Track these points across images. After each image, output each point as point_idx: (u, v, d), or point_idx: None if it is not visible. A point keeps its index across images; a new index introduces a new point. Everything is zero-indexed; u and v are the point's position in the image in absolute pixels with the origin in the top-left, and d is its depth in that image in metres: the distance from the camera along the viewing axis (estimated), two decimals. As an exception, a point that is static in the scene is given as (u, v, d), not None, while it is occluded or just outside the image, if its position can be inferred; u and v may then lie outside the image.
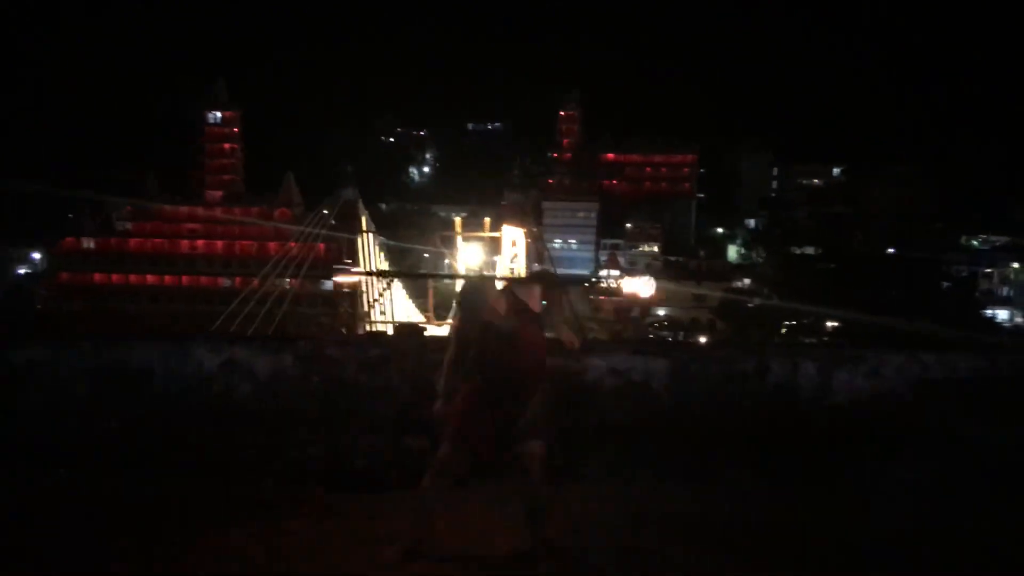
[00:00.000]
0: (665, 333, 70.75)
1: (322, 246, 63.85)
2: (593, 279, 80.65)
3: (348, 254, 67.43)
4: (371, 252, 63.41)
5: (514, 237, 44.11)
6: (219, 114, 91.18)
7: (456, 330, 4.49)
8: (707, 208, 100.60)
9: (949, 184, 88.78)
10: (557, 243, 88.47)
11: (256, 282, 56.06)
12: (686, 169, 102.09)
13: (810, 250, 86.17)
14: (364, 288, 62.34)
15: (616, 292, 78.90)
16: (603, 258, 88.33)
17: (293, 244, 59.20)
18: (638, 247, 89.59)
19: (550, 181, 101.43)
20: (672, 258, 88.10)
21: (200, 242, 79.92)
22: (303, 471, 5.80)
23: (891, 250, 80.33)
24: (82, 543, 4.64)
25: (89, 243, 79.15)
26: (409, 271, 69.61)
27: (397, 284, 65.66)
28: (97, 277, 77.86)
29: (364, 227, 63.16)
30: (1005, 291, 76.25)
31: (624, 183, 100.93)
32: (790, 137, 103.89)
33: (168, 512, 5.15)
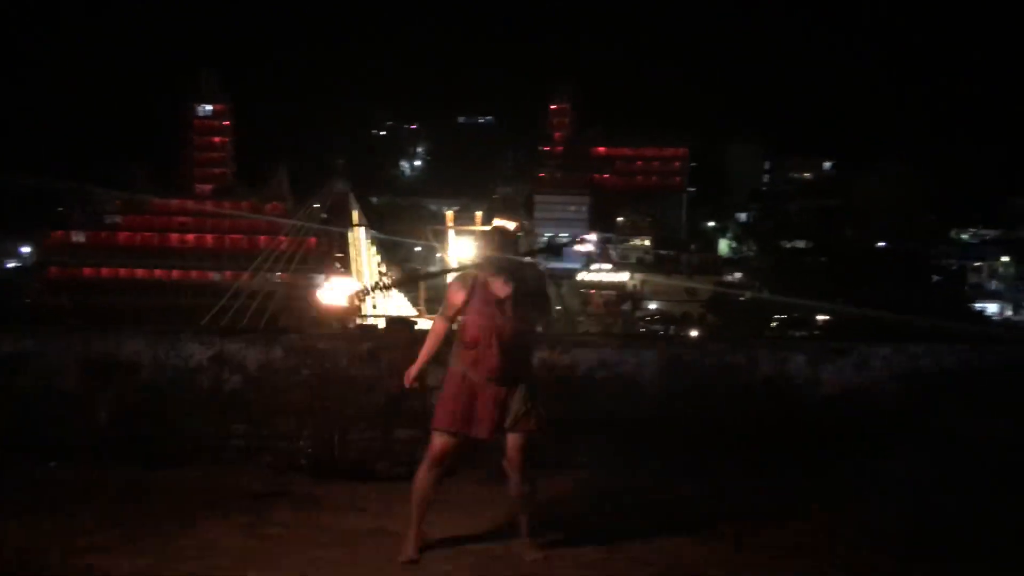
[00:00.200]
0: (656, 327, 70.86)
1: (313, 240, 63.85)
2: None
3: (339, 248, 67.29)
4: (362, 246, 63.32)
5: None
6: (209, 107, 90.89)
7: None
8: (698, 202, 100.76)
9: (940, 178, 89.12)
10: (545, 236, 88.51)
11: (247, 276, 56.00)
12: (677, 163, 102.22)
13: (801, 244, 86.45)
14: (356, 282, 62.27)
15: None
16: (595, 252, 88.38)
17: (283, 238, 59.13)
18: (629, 241, 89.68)
19: (541, 175, 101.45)
20: (663, 252, 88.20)
21: (190, 236, 79.66)
22: (293, 463, 5.81)
23: (881, 244, 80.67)
24: (71, 534, 4.63)
25: (78, 237, 78.84)
26: (403, 267, 69.52)
27: (389, 278, 65.63)
28: (86, 271, 77.55)
29: (355, 221, 63.03)
30: (994, 285, 76.66)
31: (615, 177, 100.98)
32: (781, 130, 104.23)
33: (157, 503, 5.15)
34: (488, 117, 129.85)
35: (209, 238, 79.53)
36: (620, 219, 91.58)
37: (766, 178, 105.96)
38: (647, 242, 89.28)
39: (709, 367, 6.18)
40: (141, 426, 5.85)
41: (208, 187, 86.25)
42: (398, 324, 6.56)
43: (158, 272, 78.10)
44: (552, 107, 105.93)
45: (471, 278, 4.44)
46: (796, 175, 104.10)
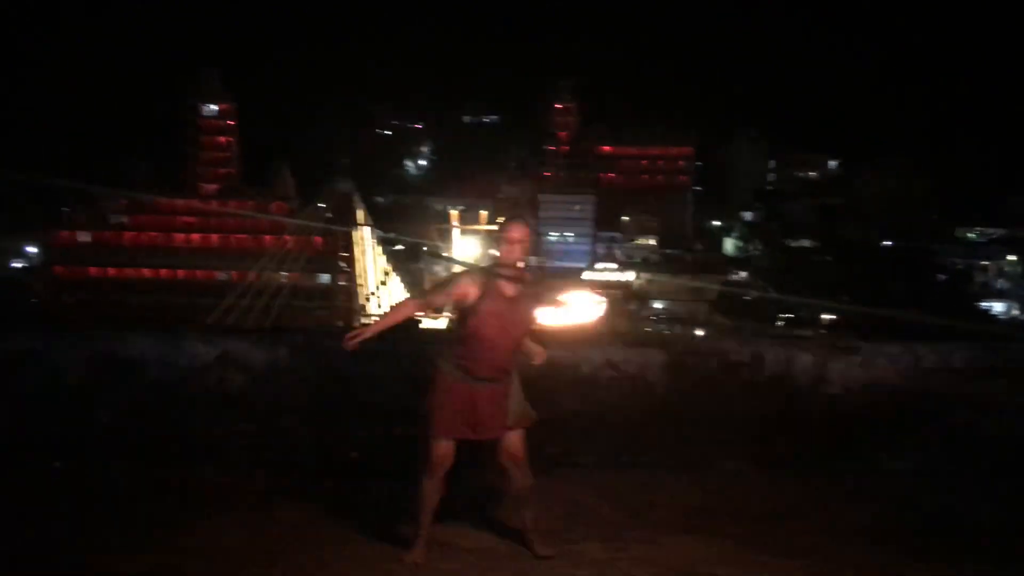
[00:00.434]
0: (662, 326, 70.86)
1: (318, 239, 64.00)
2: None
3: (344, 247, 67.41)
4: (367, 245, 63.42)
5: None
6: (214, 106, 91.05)
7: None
8: (703, 201, 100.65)
9: (945, 176, 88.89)
10: (554, 236, 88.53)
11: (252, 275, 56.15)
12: (682, 162, 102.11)
13: (806, 242, 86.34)
14: (360, 282, 62.41)
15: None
16: (600, 251, 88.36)
17: (288, 237, 59.28)
18: (635, 240, 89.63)
19: (546, 174, 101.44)
20: (669, 251, 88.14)
21: (195, 235, 79.82)
22: (296, 462, 5.80)
23: (887, 242, 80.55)
24: (75, 533, 4.64)
25: (84, 236, 79.05)
26: (404, 266, 69.62)
27: (394, 277, 65.76)
28: (92, 270, 77.75)
29: (360, 220, 63.13)
30: (1001, 284, 76.48)
31: (620, 176, 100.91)
32: (786, 129, 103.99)
33: (161, 502, 5.15)
34: (493, 116, 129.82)
35: (214, 238, 79.66)
36: (625, 218, 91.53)
37: (771, 177, 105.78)
38: (652, 241, 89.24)
39: (714, 366, 6.16)
40: (146, 425, 5.85)
41: (213, 187, 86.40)
42: (403, 323, 6.53)
43: (163, 272, 78.28)
44: (557, 106, 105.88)
45: (484, 275, 4.37)
46: (801, 174, 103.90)
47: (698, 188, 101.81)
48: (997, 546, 4.76)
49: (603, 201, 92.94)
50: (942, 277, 74.49)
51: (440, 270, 73.78)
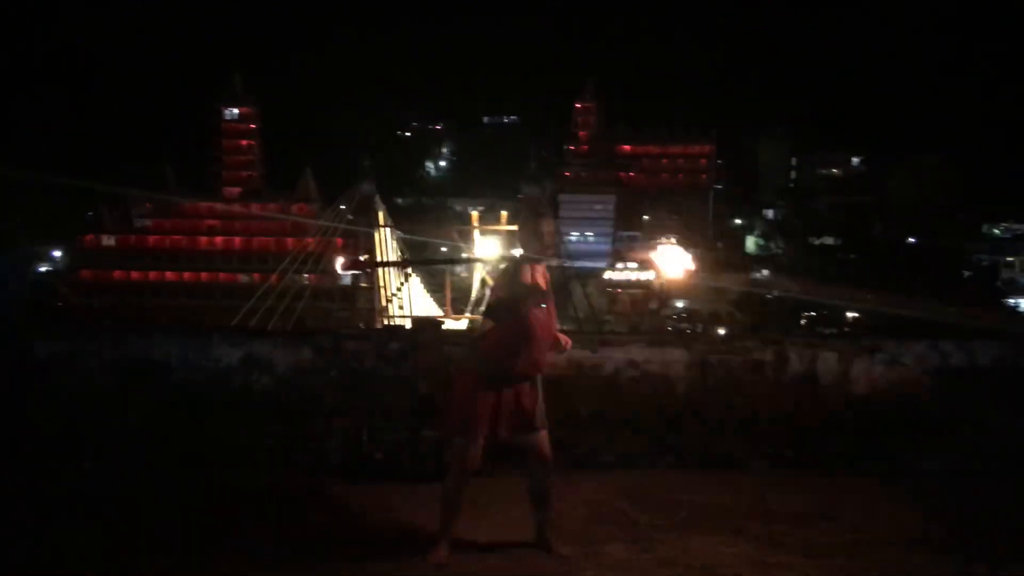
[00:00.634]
0: (684, 325, 70.58)
1: (340, 241, 64.24)
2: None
3: (365, 249, 67.59)
4: (388, 246, 63.54)
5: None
6: (236, 110, 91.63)
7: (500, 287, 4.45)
8: (725, 199, 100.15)
9: (970, 172, 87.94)
10: (574, 236, 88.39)
11: (274, 277, 56.44)
12: (703, 160, 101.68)
13: (829, 240, 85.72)
14: (382, 283, 62.54)
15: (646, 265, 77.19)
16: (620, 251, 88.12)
17: (311, 240, 59.53)
18: (656, 239, 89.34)
19: (566, 174, 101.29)
20: (690, 250, 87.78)
21: (219, 238, 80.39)
22: (322, 463, 5.84)
23: (912, 239, 79.80)
24: (104, 535, 4.69)
25: (109, 240, 79.85)
26: (426, 267, 69.67)
27: (415, 278, 65.85)
28: (117, 274, 78.53)
29: (381, 221, 63.27)
30: (1027, 280, 75.52)
31: (641, 175, 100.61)
32: (809, 127, 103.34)
33: (189, 504, 5.20)
34: (513, 116, 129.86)
35: (237, 240, 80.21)
36: (646, 217, 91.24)
37: (793, 174, 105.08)
38: (673, 240, 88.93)
39: (737, 365, 6.14)
40: (173, 427, 5.91)
41: (236, 190, 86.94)
42: (425, 324, 6.56)
43: (187, 275, 78.91)
44: (577, 106, 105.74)
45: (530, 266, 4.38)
46: (824, 171, 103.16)
47: (719, 186, 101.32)
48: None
49: (624, 200, 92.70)
50: (968, 274, 73.68)
51: (462, 271, 73.88)
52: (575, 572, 4.31)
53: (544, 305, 4.37)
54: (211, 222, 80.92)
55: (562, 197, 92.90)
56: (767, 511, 5.18)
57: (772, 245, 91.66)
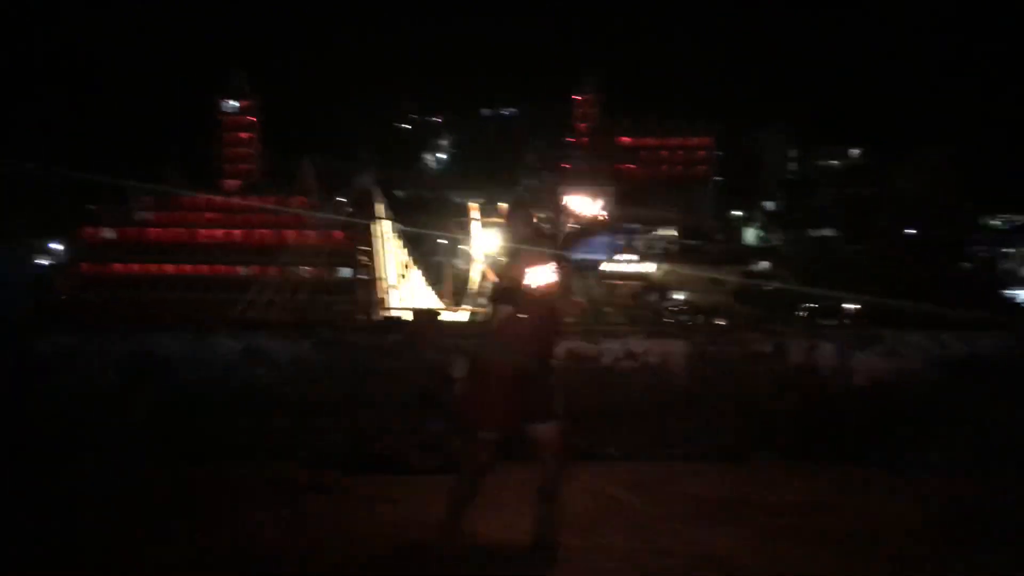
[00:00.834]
0: (683, 317, 70.56)
1: (339, 233, 64.24)
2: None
3: (364, 241, 67.58)
4: (387, 239, 63.53)
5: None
6: (236, 103, 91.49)
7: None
8: (725, 191, 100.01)
9: (970, 164, 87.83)
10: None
11: (273, 270, 56.47)
12: (703, 152, 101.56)
13: (829, 232, 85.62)
14: (381, 275, 62.58)
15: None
16: (620, 243, 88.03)
17: (310, 232, 59.53)
18: (655, 231, 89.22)
19: (566, 166, 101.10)
20: (690, 242, 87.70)
21: (219, 231, 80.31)
22: (324, 456, 5.86)
23: (912, 231, 79.73)
24: (110, 527, 4.71)
25: (109, 233, 79.75)
26: (425, 259, 69.69)
27: (415, 271, 65.88)
28: (117, 267, 78.45)
29: (380, 214, 63.24)
30: (1027, 271, 75.49)
31: (641, 167, 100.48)
32: (809, 118, 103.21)
33: (193, 497, 5.23)
34: (512, 109, 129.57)
35: (237, 233, 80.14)
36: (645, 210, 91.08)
37: (793, 166, 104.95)
38: (673, 232, 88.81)
39: (737, 357, 6.16)
40: (176, 421, 5.93)
41: (236, 182, 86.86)
42: (425, 317, 6.58)
43: (187, 268, 78.87)
44: (577, 98, 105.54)
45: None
46: (824, 163, 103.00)
47: (719, 178, 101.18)
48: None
49: (623, 192, 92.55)
50: (967, 265, 73.64)
51: (461, 263, 73.87)
52: (580, 562, 4.34)
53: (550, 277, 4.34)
54: (211, 215, 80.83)
55: (562, 189, 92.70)
56: (767, 502, 5.21)
57: (772, 237, 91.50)
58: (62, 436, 5.89)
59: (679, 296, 77.40)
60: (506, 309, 4.33)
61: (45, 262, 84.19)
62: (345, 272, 73.32)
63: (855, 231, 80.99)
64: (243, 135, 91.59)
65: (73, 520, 4.87)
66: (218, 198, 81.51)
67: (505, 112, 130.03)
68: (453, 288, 57.98)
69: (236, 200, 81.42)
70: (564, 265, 4.40)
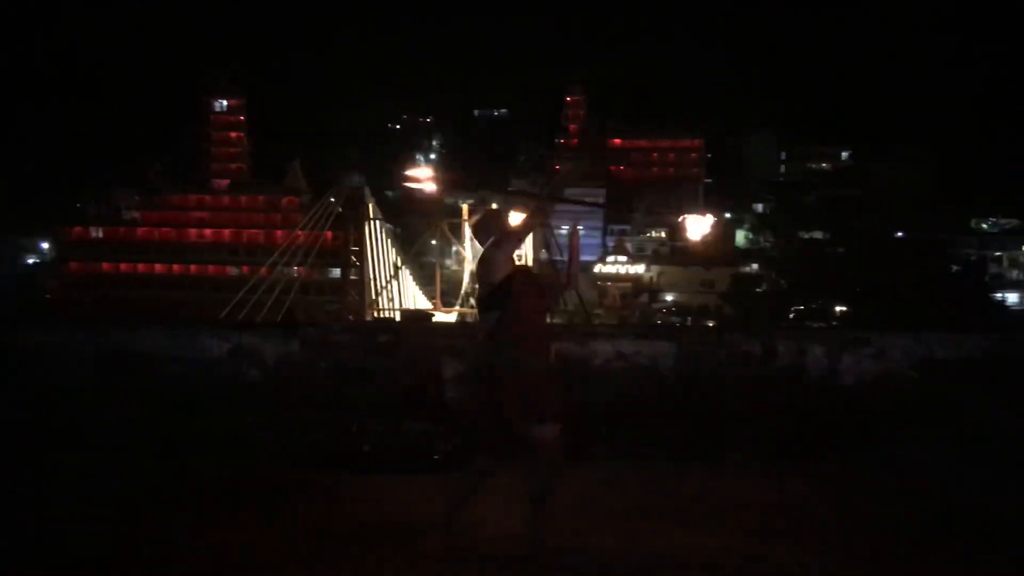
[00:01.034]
0: (673, 318, 70.72)
1: (329, 234, 64.05)
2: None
3: (355, 241, 67.51)
4: (377, 239, 63.45)
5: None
6: (224, 102, 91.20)
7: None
8: (714, 193, 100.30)
9: (959, 166, 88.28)
10: (564, 229, 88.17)
11: (264, 270, 56.32)
12: (693, 154, 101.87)
13: (818, 234, 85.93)
14: (371, 276, 62.49)
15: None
16: (610, 244, 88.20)
17: (300, 232, 59.40)
18: (646, 233, 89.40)
19: (556, 167, 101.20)
20: (680, 243, 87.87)
21: (207, 231, 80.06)
22: (311, 455, 5.84)
23: (900, 233, 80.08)
24: (87, 525, 4.68)
25: (97, 232, 79.43)
26: (416, 259, 69.65)
27: (405, 272, 65.80)
28: (105, 266, 78.14)
29: (370, 214, 63.15)
30: (1015, 274, 75.98)
31: (631, 168, 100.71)
32: (797, 120, 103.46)
33: (176, 495, 5.19)
34: (503, 110, 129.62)
35: (226, 233, 79.91)
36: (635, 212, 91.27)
37: (783, 168, 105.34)
38: (663, 234, 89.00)
39: (725, 358, 6.16)
40: (160, 419, 5.90)
41: (224, 182, 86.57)
42: (415, 317, 6.56)
43: (176, 267, 78.61)
44: (567, 99, 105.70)
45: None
46: (813, 165, 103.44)
47: (709, 180, 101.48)
48: (1012, 538, 4.75)
49: (614, 194, 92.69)
50: (956, 268, 74.00)
51: (451, 264, 73.80)
52: (567, 562, 4.32)
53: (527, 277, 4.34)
54: (200, 214, 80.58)
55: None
56: (754, 502, 5.21)
57: (761, 239, 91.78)
58: (43, 432, 5.85)
59: (669, 297, 77.60)
60: (494, 314, 4.32)
61: (33, 260, 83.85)
62: (335, 272, 73.22)
63: (842, 233, 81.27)
64: (232, 134, 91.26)
65: (53, 516, 4.81)
66: (207, 197, 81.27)
67: (496, 113, 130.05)
68: (443, 289, 57.91)
69: (225, 199, 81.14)
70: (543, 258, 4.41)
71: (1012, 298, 72.52)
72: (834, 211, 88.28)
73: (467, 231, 51.79)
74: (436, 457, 5.62)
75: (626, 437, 5.98)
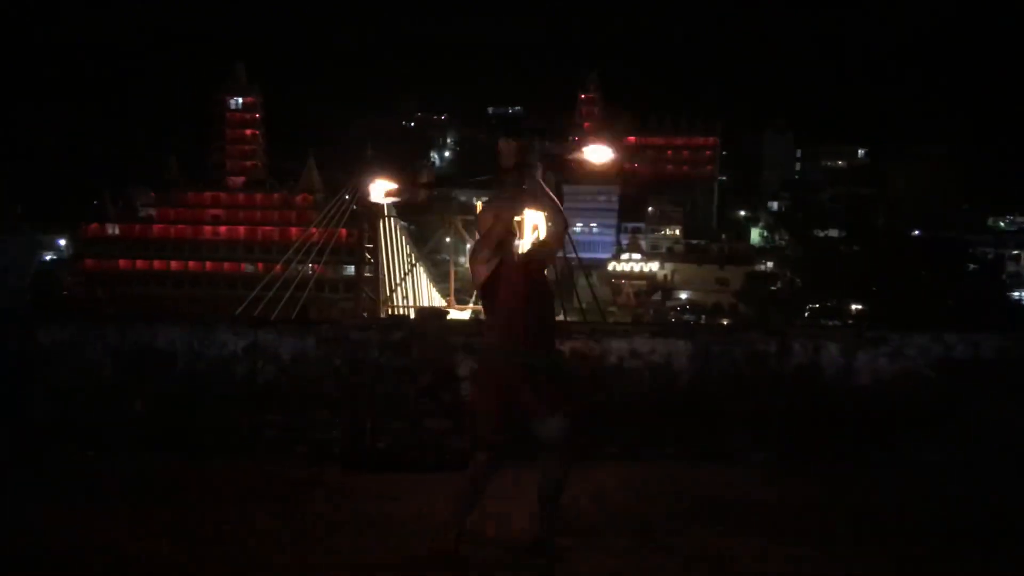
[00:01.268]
0: (687, 317, 70.56)
1: (343, 231, 64.25)
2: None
3: (369, 239, 67.65)
4: (392, 237, 63.55)
5: (536, 221, 43.90)
6: (240, 99, 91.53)
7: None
8: (729, 191, 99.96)
9: (976, 164, 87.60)
10: (578, 227, 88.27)
11: (278, 267, 56.54)
12: (708, 152, 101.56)
13: (834, 232, 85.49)
14: (386, 273, 62.62)
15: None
16: (624, 241, 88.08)
17: (314, 230, 59.59)
18: (660, 231, 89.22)
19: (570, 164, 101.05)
20: (694, 241, 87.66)
21: (223, 228, 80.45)
22: (326, 453, 5.86)
23: (916, 232, 79.57)
24: (106, 522, 4.71)
25: (113, 229, 79.96)
26: (430, 256, 69.77)
27: (419, 269, 65.91)
28: (122, 263, 78.67)
29: (385, 211, 63.22)
30: (1033, 273, 75.32)
31: (645, 166, 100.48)
32: (813, 118, 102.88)
33: (191, 492, 5.22)
34: (517, 107, 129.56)
35: (241, 230, 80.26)
36: (650, 209, 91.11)
37: (798, 166, 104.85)
38: (677, 232, 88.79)
39: (740, 356, 6.14)
40: (176, 415, 5.93)
41: (240, 179, 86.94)
42: (429, 314, 6.58)
43: (191, 264, 79.04)
44: (582, 96, 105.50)
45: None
46: (829, 163, 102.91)
47: (723, 178, 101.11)
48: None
49: (628, 191, 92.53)
50: (973, 267, 73.43)
51: (465, 261, 73.79)
52: (580, 562, 4.32)
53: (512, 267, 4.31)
54: (215, 211, 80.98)
55: (566, 188, 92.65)
56: (770, 502, 5.19)
57: (776, 237, 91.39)
58: (61, 428, 5.89)
59: (683, 295, 77.41)
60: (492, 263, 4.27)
61: (51, 257, 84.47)
62: (349, 269, 73.41)
63: (857, 231, 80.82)
64: (247, 132, 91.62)
65: (66, 510, 4.84)
66: (222, 195, 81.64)
67: (510, 110, 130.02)
68: (457, 286, 57.95)
69: (240, 197, 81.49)
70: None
71: (1030, 297, 71.84)
72: (850, 209, 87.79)
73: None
74: (451, 455, 5.63)
75: (642, 436, 5.97)
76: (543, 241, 4.33)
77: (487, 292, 4.33)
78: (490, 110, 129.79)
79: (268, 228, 79.20)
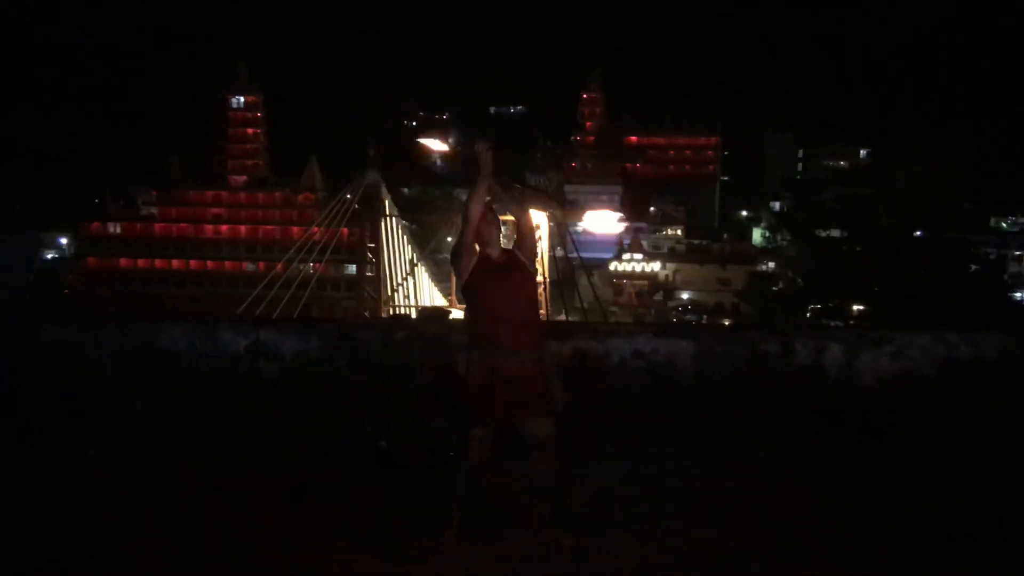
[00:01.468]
0: (689, 317, 70.59)
1: (345, 230, 64.30)
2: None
3: (371, 238, 67.69)
4: (393, 235, 63.60)
5: (537, 221, 44.16)
6: (242, 98, 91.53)
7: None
8: (731, 191, 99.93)
9: (978, 164, 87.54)
10: (580, 227, 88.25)
11: (280, 266, 56.58)
12: (710, 152, 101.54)
13: (836, 232, 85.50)
14: (388, 272, 62.68)
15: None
16: (626, 241, 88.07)
17: (316, 229, 59.62)
18: (661, 230, 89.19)
19: (573, 164, 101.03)
20: (696, 241, 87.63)
21: (224, 227, 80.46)
22: (328, 452, 5.85)
23: (918, 232, 79.54)
24: (107, 521, 4.70)
25: (115, 228, 79.98)
26: (431, 255, 69.81)
27: (421, 268, 65.93)
28: (123, 262, 78.70)
29: (386, 211, 63.26)
30: (1035, 273, 75.25)
31: (647, 166, 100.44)
32: (815, 118, 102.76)
33: (193, 491, 5.21)
34: (519, 107, 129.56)
35: (243, 229, 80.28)
36: (652, 209, 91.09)
37: (800, 166, 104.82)
38: (679, 232, 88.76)
39: (743, 356, 6.13)
40: (178, 414, 5.92)
41: (242, 178, 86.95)
42: (431, 314, 6.58)
43: (193, 263, 79.05)
44: (584, 96, 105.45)
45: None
46: (831, 163, 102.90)
47: (725, 178, 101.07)
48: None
49: (630, 191, 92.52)
50: (975, 267, 73.41)
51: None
52: (578, 560, 4.32)
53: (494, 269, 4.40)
54: (217, 210, 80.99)
55: (568, 188, 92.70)
56: (771, 501, 5.19)
57: (778, 237, 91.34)
58: (63, 426, 5.89)
59: (685, 295, 77.41)
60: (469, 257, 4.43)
61: (52, 255, 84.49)
62: (351, 269, 73.44)
63: (859, 231, 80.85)
64: (249, 130, 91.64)
65: (71, 511, 4.84)
66: (224, 193, 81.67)
67: (512, 110, 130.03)
68: (459, 286, 57.99)
69: (242, 195, 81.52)
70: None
71: (1032, 297, 71.79)
72: (852, 209, 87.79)
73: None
74: (453, 454, 5.62)
75: (644, 435, 5.96)
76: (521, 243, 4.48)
77: (468, 291, 4.38)
78: (492, 109, 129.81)
79: (269, 227, 79.22)
